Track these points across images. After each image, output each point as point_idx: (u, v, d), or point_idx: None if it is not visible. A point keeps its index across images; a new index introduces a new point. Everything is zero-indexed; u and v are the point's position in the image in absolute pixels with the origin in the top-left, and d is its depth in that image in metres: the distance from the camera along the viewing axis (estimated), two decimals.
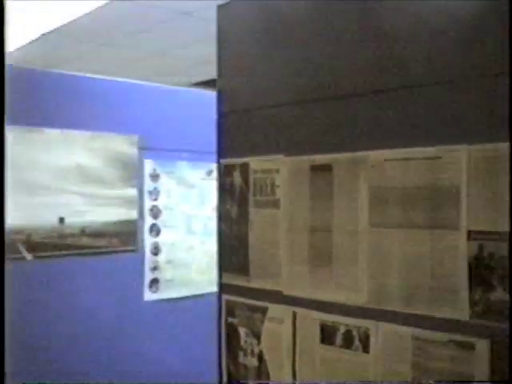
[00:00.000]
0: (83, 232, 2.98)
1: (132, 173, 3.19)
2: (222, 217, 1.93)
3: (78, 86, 3.04)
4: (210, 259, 3.48)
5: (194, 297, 3.44)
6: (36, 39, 6.86)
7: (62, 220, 2.90)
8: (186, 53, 7.33)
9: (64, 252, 2.92)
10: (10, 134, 2.74)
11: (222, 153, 1.94)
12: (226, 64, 1.97)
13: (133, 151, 3.17)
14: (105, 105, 3.10)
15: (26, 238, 2.79)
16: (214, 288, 3.52)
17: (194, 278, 3.47)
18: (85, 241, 2.99)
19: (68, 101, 2.97)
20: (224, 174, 1.91)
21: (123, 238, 3.14)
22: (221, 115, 1.98)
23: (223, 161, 1.92)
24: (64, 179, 2.92)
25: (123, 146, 3.14)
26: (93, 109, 3.05)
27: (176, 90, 3.55)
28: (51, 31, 6.58)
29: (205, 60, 7.42)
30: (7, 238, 2.70)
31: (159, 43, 7.03)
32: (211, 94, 3.60)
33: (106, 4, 5.75)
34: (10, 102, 2.82)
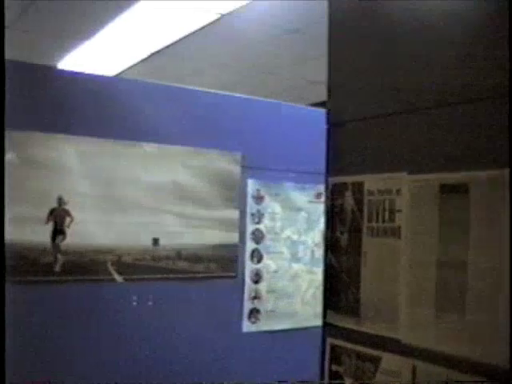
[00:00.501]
0: (179, 255, 2.77)
1: (234, 193, 2.95)
2: (330, 245, 1.63)
3: (178, 99, 2.84)
4: (316, 290, 3.20)
5: (297, 330, 3.15)
6: (143, 59, 6.88)
7: (156, 241, 2.70)
8: (294, 72, 7.12)
9: (157, 276, 2.72)
10: (105, 148, 2.58)
11: (331, 170, 1.65)
12: (337, 70, 1.69)
13: (235, 170, 2.94)
14: (206, 119, 2.90)
15: (116, 259, 2.60)
16: (320, 321, 3.24)
17: (298, 310, 3.18)
18: (180, 265, 2.78)
19: (167, 114, 2.78)
20: (333, 194, 1.62)
21: (222, 264, 2.91)
22: (331, 126, 1.70)
23: (333, 179, 1.63)
24: (160, 197, 2.72)
25: (225, 163, 2.91)
26: (193, 123, 2.85)
27: (283, 106, 3.29)
28: (157, 51, 6.58)
29: (314, 81, 7.18)
30: (96, 258, 2.53)
31: (265, 62, 6.87)
32: (321, 112, 3.36)
33: (213, 22, 5.64)
34: (109, 116, 2.67)
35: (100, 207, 2.54)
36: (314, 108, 3.44)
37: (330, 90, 1.73)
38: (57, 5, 5.39)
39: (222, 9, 5.40)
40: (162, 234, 2.71)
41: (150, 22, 5.82)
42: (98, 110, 2.58)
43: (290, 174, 3.14)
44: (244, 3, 5.22)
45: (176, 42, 6.33)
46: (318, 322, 3.22)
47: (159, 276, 2.72)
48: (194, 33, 6.02)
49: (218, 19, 5.59)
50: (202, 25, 5.77)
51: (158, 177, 2.71)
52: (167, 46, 6.49)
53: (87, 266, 2.52)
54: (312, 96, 6.60)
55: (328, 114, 1.72)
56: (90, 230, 2.52)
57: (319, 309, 3.18)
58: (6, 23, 5.37)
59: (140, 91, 2.74)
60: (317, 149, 3.19)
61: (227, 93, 3.05)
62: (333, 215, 1.61)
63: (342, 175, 1.59)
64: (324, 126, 1.74)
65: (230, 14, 5.51)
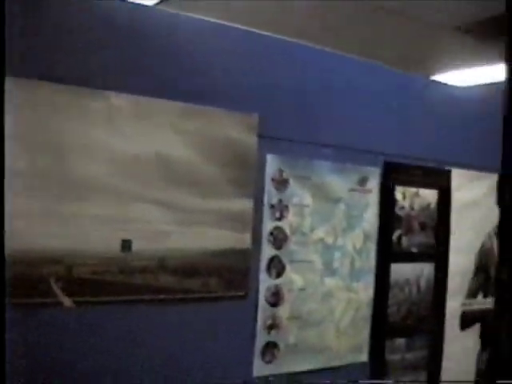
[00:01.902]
0: (162, 266, 1.84)
1: (246, 174, 2.02)
2: None
3: (166, 28, 1.92)
4: (356, 314, 2.31)
5: (330, 370, 2.26)
6: None
7: (126, 245, 1.76)
8: None
9: (129, 297, 1.78)
10: (49, 96, 1.65)
11: None
12: None
13: (249, 139, 2.02)
14: (206, 64, 1.97)
15: (64, 272, 1.66)
16: (358, 357, 2.33)
17: (331, 343, 2.29)
18: (165, 280, 1.85)
19: (146, 51, 1.85)
20: None
21: (226, 278, 1.98)
22: None
23: None
24: (136, 178, 1.78)
25: (234, 129, 1.98)
26: (189, 66, 1.92)
27: (300, 47, 2.35)
28: None
29: None
30: (33, 271, 1.61)
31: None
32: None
33: None
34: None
35: (40, 191, 1.61)
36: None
37: None
38: None
39: None
40: (138, 233, 1.78)
41: None
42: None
43: (324, 150, 2.23)
44: None
45: None
46: (356, 359, 2.31)
47: (132, 298, 1.79)
48: None
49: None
50: None
51: (134, 146, 1.77)
52: None
53: (19, 284, 1.58)
54: None
55: None
56: (23, 227, 1.58)
57: (358, 340, 2.29)
58: None
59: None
60: (367, 112, 2.30)
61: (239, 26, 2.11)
62: None
63: None
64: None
65: None
